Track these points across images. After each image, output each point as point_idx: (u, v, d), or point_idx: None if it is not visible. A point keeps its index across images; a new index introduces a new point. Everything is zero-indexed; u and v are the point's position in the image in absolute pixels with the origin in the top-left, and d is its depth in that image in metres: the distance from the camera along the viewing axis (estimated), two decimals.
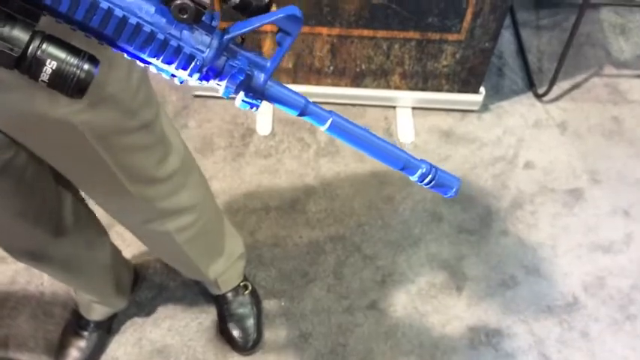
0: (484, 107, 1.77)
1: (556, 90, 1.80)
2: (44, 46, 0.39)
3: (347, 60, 1.62)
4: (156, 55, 0.42)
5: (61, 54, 0.39)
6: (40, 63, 0.39)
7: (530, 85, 1.84)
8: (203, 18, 0.42)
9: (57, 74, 0.40)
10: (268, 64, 0.46)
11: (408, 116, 1.75)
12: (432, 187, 0.55)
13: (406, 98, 1.73)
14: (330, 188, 1.62)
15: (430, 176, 0.54)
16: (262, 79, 0.46)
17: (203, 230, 1.09)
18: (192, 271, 1.25)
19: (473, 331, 1.43)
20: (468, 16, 1.48)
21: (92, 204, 1.04)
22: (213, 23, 0.44)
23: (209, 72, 0.44)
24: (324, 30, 1.52)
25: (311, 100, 1.69)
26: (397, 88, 1.70)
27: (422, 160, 0.55)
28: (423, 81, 1.69)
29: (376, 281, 1.48)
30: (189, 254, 1.11)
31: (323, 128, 0.51)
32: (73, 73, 0.40)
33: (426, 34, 1.54)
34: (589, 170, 1.68)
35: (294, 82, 1.69)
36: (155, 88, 0.85)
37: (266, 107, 1.74)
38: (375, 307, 1.45)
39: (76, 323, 1.33)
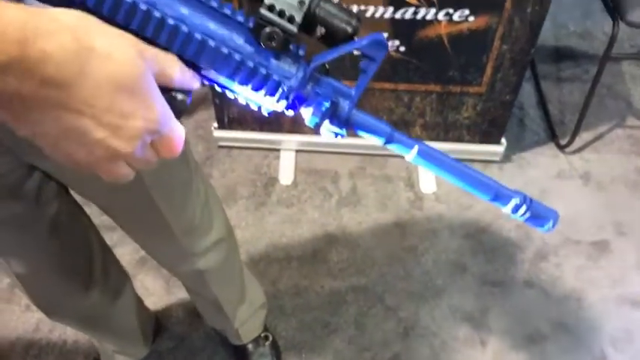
0: (506, 158, 1.78)
1: (578, 141, 1.80)
2: None
3: (369, 111, 1.64)
4: (245, 83, 0.43)
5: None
6: None
7: (552, 136, 1.85)
8: (290, 47, 0.44)
9: None
10: (353, 92, 0.47)
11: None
12: (527, 219, 0.52)
13: None
14: (351, 238, 1.62)
15: (524, 207, 0.51)
16: (347, 106, 0.47)
17: (229, 268, 1.13)
18: (217, 316, 1.25)
19: None
20: (489, 70, 1.51)
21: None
22: (300, 52, 0.45)
23: (295, 100, 0.45)
24: (347, 83, 1.56)
25: (334, 150, 1.71)
26: (418, 138, 1.72)
27: (515, 191, 0.51)
28: (444, 132, 1.70)
29: (398, 333, 1.46)
30: (218, 295, 1.13)
31: (408, 157, 0.50)
32: (169, 103, 0.42)
33: (446, 87, 1.57)
34: (614, 222, 1.66)
35: (318, 133, 1.72)
36: None
37: (288, 157, 1.77)
38: None
39: None
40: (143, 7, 0.39)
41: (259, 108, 0.47)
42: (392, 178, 1.73)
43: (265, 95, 0.44)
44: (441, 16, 1.39)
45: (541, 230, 0.53)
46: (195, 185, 0.93)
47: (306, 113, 0.46)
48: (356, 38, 0.45)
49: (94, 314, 1.07)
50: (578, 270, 1.57)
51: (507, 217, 1.64)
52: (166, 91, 0.42)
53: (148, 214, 0.88)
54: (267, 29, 0.42)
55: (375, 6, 1.38)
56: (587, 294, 1.53)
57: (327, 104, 0.45)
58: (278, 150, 1.78)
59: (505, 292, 1.53)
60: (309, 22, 0.43)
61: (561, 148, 1.81)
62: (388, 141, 0.49)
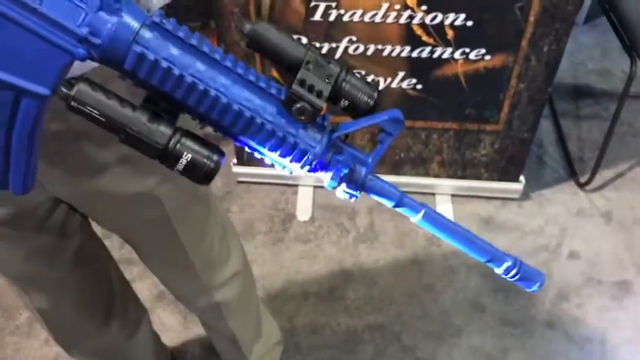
0: (525, 195, 1.76)
1: (599, 179, 1.78)
2: (182, 140, 0.45)
3: (386, 149, 1.66)
4: (274, 150, 0.47)
5: (195, 146, 0.45)
6: (178, 155, 0.45)
7: (572, 173, 1.83)
8: (317, 119, 0.48)
9: (191, 165, 0.45)
10: (369, 160, 0.50)
11: (447, 203, 1.76)
12: (516, 280, 0.56)
13: (445, 186, 1.74)
14: (369, 275, 1.61)
15: (515, 270, 0.55)
16: (363, 173, 0.50)
17: (246, 302, 1.13)
18: (233, 352, 1.25)
19: None
20: (506, 108, 1.51)
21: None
22: (325, 123, 0.48)
23: (317, 165, 0.49)
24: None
25: None
26: (436, 175, 1.72)
27: (508, 255, 0.56)
28: (462, 169, 1.70)
29: None
30: (234, 329, 1.13)
31: (415, 219, 0.54)
32: (203, 164, 0.45)
33: (464, 125, 1.57)
34: (637, 262, 1.62)
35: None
36: None
37: (306, 192, 1.78)
38: None
39: None
40: (189, 79, 0.43)
41: (284, 168, 0.50)
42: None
43: (292, 162, 0.48)
44: (457, 55, 1.40)
45: (528, 290, 0.59)
46: (213, 218, 0.94)
47: (326, 177, 0.50)
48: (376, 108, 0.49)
49: (112, 349, 1.07)
50: (600, 311, 1.54)
51: (527, 256, 1.62)
52: (205, 146, 0.45)
53: (168, 244, 0.89)
54: (298, 105, 0.45)
55: (393, 45, 1.40)
56: (611, 336, 1.49)
57: (345, 170, 0.49)
58: (296, 186, 1.80)
59: (525, 333, 1.50)
60: (336, 94, 0.47)
61: (581, 185, 1.79)
62: (397, 204, 0.53)
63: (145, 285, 1.57)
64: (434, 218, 0.54)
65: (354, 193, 0.51)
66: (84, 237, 0.89)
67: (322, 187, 1.78)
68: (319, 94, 0.45)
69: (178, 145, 0.44)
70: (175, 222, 0.85)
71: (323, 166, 0.49)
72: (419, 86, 1.49)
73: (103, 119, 0.43)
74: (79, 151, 0.68)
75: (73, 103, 0.43)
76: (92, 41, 0.41)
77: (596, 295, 1.56)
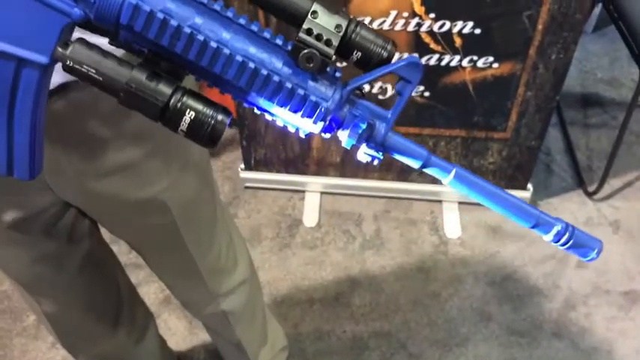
0: (532, 204, 1.75)
1: (607, 188, 1.77)
2: (184, 98, 0.43)
3: None
4: (284, 105, 0.44)
5: (199, 105, 0.43)
6: (180, 113, 0.43)
7: (580, 182, 1.83)
8: (327, 70, 0.45)
9: (194, 124, 0.43)
10: (389, 115, 0.47)
11: (454, 211, 1.75)
12: (568, 247, 0.51)
13: (452, 193, 1.74)
14: (375, 282, 1.61)
15: (567, 236, 0.50)
16: (384, 129, 0.47)
17: (252, 309, 1.13)
18: (239, 358, 1.25)
19: None
20: (514, 116, 1.51)
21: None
22: (337, 74, 0.46)
23: (332, 122, 0.46)
24: (412, 129, 1.58)
25: (358, 193, 1.71)
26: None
27: (557, 219, 0.50)
28: None
29: None
30: (240, 336, 1.13)
31: (446, 180, 0.50)
32: (208, 123, 0.43)
33: (471, 132, 1.57)
34: None
35: (342, 175, 1.73)
36: None
37: (313, 199, 1.78)
38: None
39: None
40: (187, 30, 0.41)
41: (297, 130, 0.48)
42: (416, 222, 1.73)
43: (303, 117, 0.45)
44: (465, 62, 1.41)
45: (584, 260, 0.52)
46: (220, 225, 0.94)
47: (343, 135, 0.47)
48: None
49: (119, 355, 1.07)
50: (608, 321, 1.52)
51: (534, 265, 1.62)
52: (210, 105, 0.43)
53: (175, 252, 0.89)
54: (306, 51, 0.43)
55: (401, 52, 1.40)
56: (619, 346, 1.48)
57: (363, 126, 0.46)
58: (303, 192, 1.80)
59: (532, 342, 1.49)
60: (346, 46, 0.44)
61: (589, 195, 1.78)
62: (425, 164, 0.49)
63: (151, 289, 1.57)
64: (467, 178, 0.49)
65: (376, 154, 0.47)
66: (92, 242, 0.89)
67: (329, 193, 1.79)
68: (328, 43, 0.43)
69: (180, 104, 0.42)
70: (182, 229, 0.84)
71: (338, 123, 0.46)
72: (427, 93, 1.49)
73: (100, 78, 0.42)
74: (86, 151, 0.68)
75: (69, 62, 0.42)
76: None
77: (604, 304, 1.55)
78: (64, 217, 0.79)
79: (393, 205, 1.77)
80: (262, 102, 0.45)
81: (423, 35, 1.36)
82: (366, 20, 1.35)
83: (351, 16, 0.44)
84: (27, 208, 0.73)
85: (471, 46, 1.37)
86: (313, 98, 0.44)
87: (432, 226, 1.72)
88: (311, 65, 0.43)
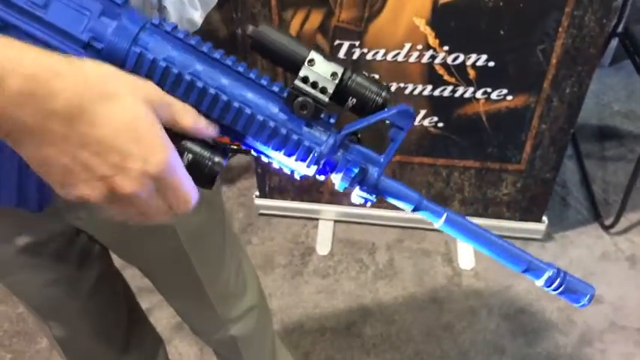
0: (548, 236, 1.74)
1: (624, 222, 1.75)
2: (183, 141, 0.44)
3: (407, 185, 1.66)
4: (278, 149, 0.46)
5: (196, 148, 0.45)
6: (179, 155, 0.44)
7: (596, 216, 1.81)
8: (322, 116, 0.46)
9: (192, 165, 0.44)
10: (382, 159, 0.48)
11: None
12: (560, 293, 0.51)
13: None
14: (387, 312, 1.60)
15: (558, 281, 0.50)
16: (376, 173, 0.48)
17: (262, 335, 1.12)
18: None
19: None
20: (528, 148, 1.51)
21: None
22: (331, 121, 0.48)
23: (326, 165, 0.47)
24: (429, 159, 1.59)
25: (372, 222, 1.71)
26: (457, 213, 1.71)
27: (549, 264, 0.51)
28: (483, 208, 1.70)
29: None
30: None
31: (437, 224, 0.50)
32: (205, 165, 0.45)
33: (485, 164, 1.57)
34: None
35: (352, 200, 1.74)
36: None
37: (326, 227, 1.78)
38: None
39: None
40: (187, 77, 0.43)
41: (292, 172, 0.49)
42: (430, 253, 1.72)
43: (297, 160, 0.47)
44: (479, 94, 1.42)
45: (576, 306, 0.53)
46: (230, 251, 0.95)
47: (336, 179, 0.48)
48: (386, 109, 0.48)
49: None
50: (625, 357, 1.49)
51: (549, 299, 1.60)
52: (207, 148, 0.45)
53: (184, 276, 0.90)
54: (300, 99, 0.44)
55: (415, 83, 1.42)
56: None
57: (356, 170, 0.47)
58: (317, 219, 1.81)
59: None
60: (341, 93, 0.46)
61: (606, 228, 1.76)
62: (417, 208, 0.50)
63: (163, 314, 1.58)
64: (458, 223, 0.50)
65: (369, 196, 0.49)
66: (103, 267, 0.91)
67: (343, 221, 1.79)
68: (323, 91, 0.45)
69: (179, 146, 0.44)
70: (191, 254, 0.85)
71: (332, 167, 0.47)
72: (440, 124, 1.50)
73: None
74: None
75: None
76: (95, 46, 0.42)
77: (620, 340, 1.52)
78: (75, 242, 0.81)
79: (407, 235, 1.76)
80: (259, 145, 0.47)
81: (437, 67, 1.38)
82: (380, 52, 1.37)
83: (347, 64, 0.46)
84: (39, 233, 0.75)
85: (485, 78, 1.39)
86: (307, 143, 0.46)
87: (445, 257, 1.71)
88: (305, 112, 0.45)
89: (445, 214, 0.49)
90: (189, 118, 0.43)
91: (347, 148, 0.48)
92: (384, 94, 0.46)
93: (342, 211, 1.77)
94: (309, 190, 1.73)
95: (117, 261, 0.96)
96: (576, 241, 1.75)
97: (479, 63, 1.36)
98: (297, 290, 1.65)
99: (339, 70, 0.45)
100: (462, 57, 1.35)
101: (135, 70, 0.43)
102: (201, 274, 0.89)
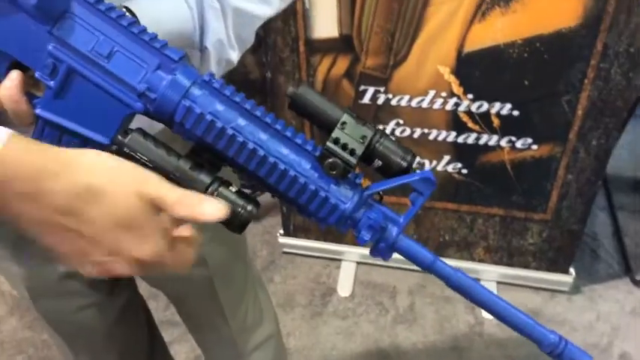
0: (575, 289, 1.70)
1: None
2: (220, 189, 0.48)
3: (430, 230, 1.66)
4: (306, 203, 0.49)
5: (232, 196, 0.48)
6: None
7: (627, 270, 1.76)
8: (349, 176, 0.50)
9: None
10: (401, 220, 0.51)
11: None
12: None
13: (491, 272, 1.71)
14: (405, 357, 1.57)
15: (560, 349, 0.53)
16: (395, 232, 0.50)
17: None
18: None
19: None
20: (554, 198, 1.49)
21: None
22: (357, 181, 0.51)
23: (348, 221, 0.50)
24: (409, 201, 1.59)
25: (395, 265, 1.69)
26: (481, 261, 1.70)
27: (551, 331, 0.53)
28: (508, 256, 1.67)
29: None
30: None
31: (448, 284, 0.53)
32: (238, 213, 0.48)
33: (510, 212, 1.56)
34: None
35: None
36: (248, 243, 0.97)
37: (348, 268, 1.78)
38: None
39: None
40: (230, 131, 0.47)
41: (319, 223, 0.52)
42: (452, 300, 1.69)
43: (322, 215, 0.50)
44: (503, 142, 1.42)
45: None
46: (250, 281, 0.99)
47: (357, 234, 0.50)
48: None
49: None
50: None
51: None
52: (241, 196, 0.48)
53: (209, 306, 0.93)
54: (330, 160, 0.48)
55: (439, 130, 1.43)
56: None
57: (376, 228, 0.49)
58: (339, 260, 1.81)
59: None
60: (369, 154, 0.49)
61: (637, 283, 1.71)
62: (429, 269, 0.52)
63: (183, 348, 1.59)
64: (467, 286, 0.52)
65: (387, 253, 0.51)
66: (130, 295, 0.94)
67: (365, 263, 1.79)
68: (352, 152, 0.48)
69: (215, 194, 0.47)
70: (217, 283, 0.89)
71: (354, 223, 0.50)
72: (464, 170, 1.50)
73: (151, 165, 0.47)
74: None
75: (125, 149, 0.47)
76: (149, 96, 0.47)
77: None
78: None
79: (430, 281, 1.74)
80: (289, 198, 0.50)
81: (461, 114, 1.39)
82: (405, 98, 1.40)
83: (377, 128, 0.49)
84: None
85: (510, 127, 1.39)
86: (333, 200, 0.49)
87: (467, 305, 1.68)
88: (334, 172, 0.48)
89: (455, 277, 0.52)
90: (184, 210, 0.45)
91: (370, 207, 0.50)
92: (409, 158, 0.49)
93: (364, 253, 1.77)
94: (332, 231, 1.74)
95: (142, 291, 0.99)
96: (605, 295, 1.70)
97: (503, 112, 1.36)
98: (316, 331, 1.64)
99: (369, 134, 0.48)
100: (486, 105, 1.36)
101: (182, 121, 0.47)
102: (225, 305, 0.93)
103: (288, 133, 0.49)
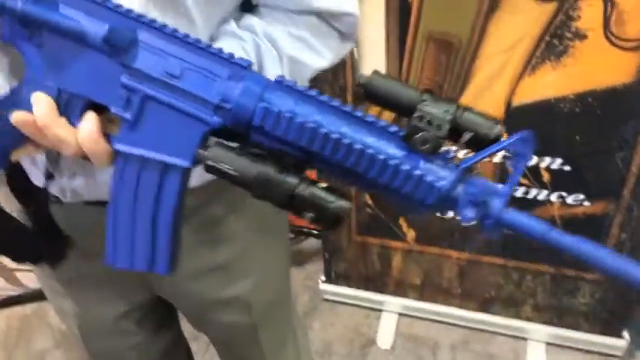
0: (630, 354, 1.60)
1: None
2: (310, 187, 0.46)
3: (476, 284, 1.61)
4: (400, 187, 0.47)
5: (322, 193, 0.47)
6: (306, 200, 0.47)
7: None
8: (440, 152, 0.47)
9: (315, 207, 0.47)
10: (504, 190, 0.47)
11: (540, 352, 1.64)
12: None
13: (539, 332, 1.63)
14: None
15: None
16: (499, 204, 0.47)
17: None
18: None
19: None
20: None
21: None
22: (448, 156, 0.48)
23: (447, 200, 0.47)
24: (454, 253, 1.56)
25: (437, 318, 1.65)
26: (529, 319, 1.63)
27: None
28: (557, 316, 1.60)
29: None
30: None
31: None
32: (330, 208, 0.47)
33: (560, 270, 1.50)
34: None
35: (422, 298, 1.70)
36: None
37: (390, 319, 1.75)
38: None
39: None
40: (310, 125, 0.46)
41: (416, 209, 0.49)
42: (496, 358, 1.63)
43: (419, 197, 0.47)
44: (553, 197, 1.38)
45: None
46: (290, 326, 0.97)
47: (460, 214, 0.47)
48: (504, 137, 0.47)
49: None
50: None
51: None
52: (332, 192, 0.47)
53: (250, 350, 0.92)
54: (420, 134, 0.45)
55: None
56: None
57: (478, 204, 0.46)
58: (380, 311, 1.78)
59: None
60: (455, 129, 0.46)
61: None
62: (543, 239, 0.48)
63: None
64: (595, 257, 0.46)
65: (493, 229, 0.47)
66: (174, 335, 0.95)
67: (407, 315, 1.75)
68: (439, 127, 0.45)
69: (306, 192, 0.46)
70: (260, 329, 0.88)
71: (453, 202, 0.47)
72: None
73: (237, 173, 0.47)
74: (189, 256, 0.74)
75: (209, 162, 0.47)
76: (224, 107, 0.47)
77: None
78: (156, 310, 0.86)
79: (473, 336, 1.68)
80: (381, 185, 0.47)
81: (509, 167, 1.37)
82: (453, 148, 1.39)
83: (458, 102, 0.47)
84: (132, 300, 0.82)
85: (560, 182, 1.35)
86: (429, 178, 0.46)
87: None
88: (426, 147, 0.45)
89: (579, 246, 0.46)
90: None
91: (467, 182, 0.47)
92: (498, 126, 0.47)
93: (406, 305, 1.73)
94: (374, 280, 1.72)
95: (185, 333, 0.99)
96: None
97: (553, 166, 1.33)
98: None
99: (451, 108, 0.46)
100: (535, 159, 1.34)
101: (261, 123, 0.47)
102: (266, 349, 0.91)
103: (370, 119, 0.47)
